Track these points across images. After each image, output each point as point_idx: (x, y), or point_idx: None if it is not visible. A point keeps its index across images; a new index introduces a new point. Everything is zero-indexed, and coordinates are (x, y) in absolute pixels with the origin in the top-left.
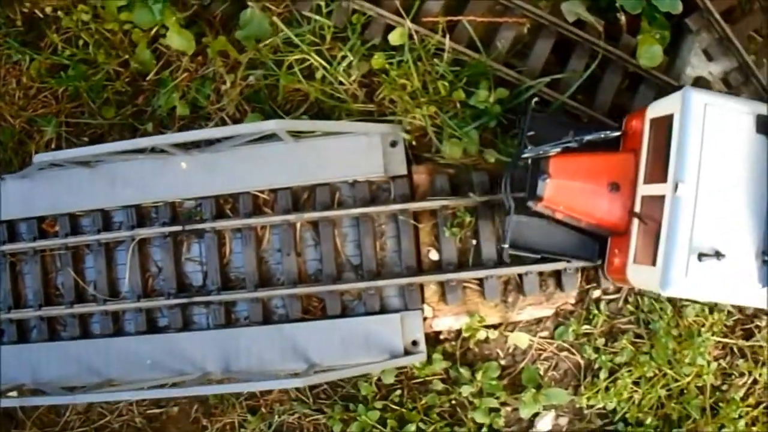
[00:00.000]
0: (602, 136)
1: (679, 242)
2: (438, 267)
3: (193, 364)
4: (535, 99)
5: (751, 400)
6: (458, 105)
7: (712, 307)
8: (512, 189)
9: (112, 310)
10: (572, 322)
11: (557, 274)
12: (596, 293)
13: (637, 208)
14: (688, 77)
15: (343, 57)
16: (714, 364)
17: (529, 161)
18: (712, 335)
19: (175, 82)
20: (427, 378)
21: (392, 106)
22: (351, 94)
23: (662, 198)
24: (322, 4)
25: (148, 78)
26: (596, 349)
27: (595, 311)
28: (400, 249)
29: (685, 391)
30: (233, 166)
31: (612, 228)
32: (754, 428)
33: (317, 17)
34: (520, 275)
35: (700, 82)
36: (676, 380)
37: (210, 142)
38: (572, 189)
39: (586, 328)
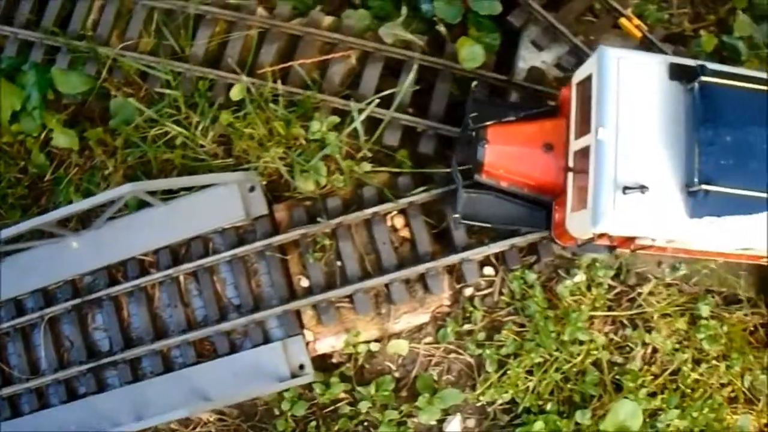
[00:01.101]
0: (538, 110)
1: (605, 180)
2: (309, 292)
3: (111, 421)
4: (475, 83)
5: (654, 368)
6: (304, 141)
7: (590, 284)
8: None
9: (36, 386)
10: (450, 323)
11: (423, 278)
12: (469, 291)
13: (571, 165)
14: (521, 70)
15: (198, 121)
16: (601, 339)
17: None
18: (595, 310)
19: (68, 177)
20: (334, 404)
21: (246, 155)
22: (212, 153)
23: (588, 149)
24: (170, 78)
25: (45, 179)
26: (479, 345)
27: (471, 308)
28: (273, 282)
29: (585, 372)
30: (116, 237)
31: (550, 188)
32: (663, 395)
33: (168, 91)
34: (386, 285)
35: (533, 72)
36: (569, 362)
37: (92, 219)
38: (510, 153)
39: (467, 326)
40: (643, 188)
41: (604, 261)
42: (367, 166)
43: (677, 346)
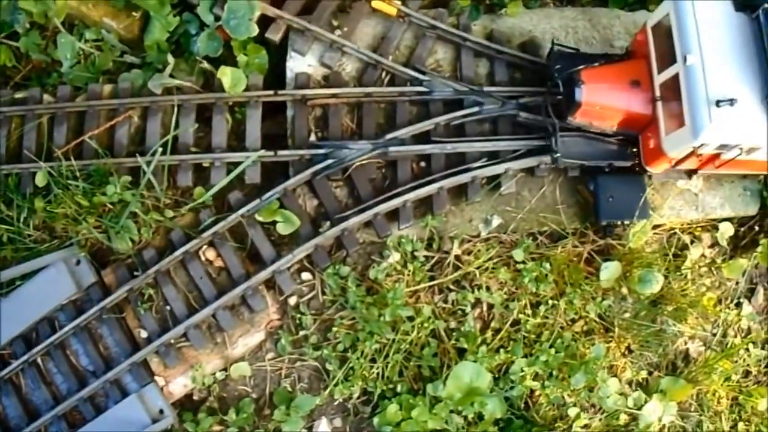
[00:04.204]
0: (618, 56)
1: (700, 97)
2: (149, 341)
3: None
4: (554, 42)
5: (495, 324)
6: (110, 206)
7: (406, 260)
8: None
9: None
10: (284, 334)
11: (245, 300)
12: (293, 300)
13: (658, 95)
14: (290, 79)
15: (18, 214)
16: (428, 310)
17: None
18: (418, 284)
19: None
20: None
21: (66, 233)
22: (39, 239)
23: (675, 77)
24: None
25: None
26: (317, 348)
27: (299, 315)
28: (117, 341)
29: (425, 346)
30: None
31: (639, 120)
32: (506, 351)
33: None
34: (213, 315)
35: (300, 78)
36: (406, 340)
37: None
38: (603, 90)
39: (302, 333)
40: (732, 101)
41: (411, 235)
42: (170, 213)
43: (508, 296)
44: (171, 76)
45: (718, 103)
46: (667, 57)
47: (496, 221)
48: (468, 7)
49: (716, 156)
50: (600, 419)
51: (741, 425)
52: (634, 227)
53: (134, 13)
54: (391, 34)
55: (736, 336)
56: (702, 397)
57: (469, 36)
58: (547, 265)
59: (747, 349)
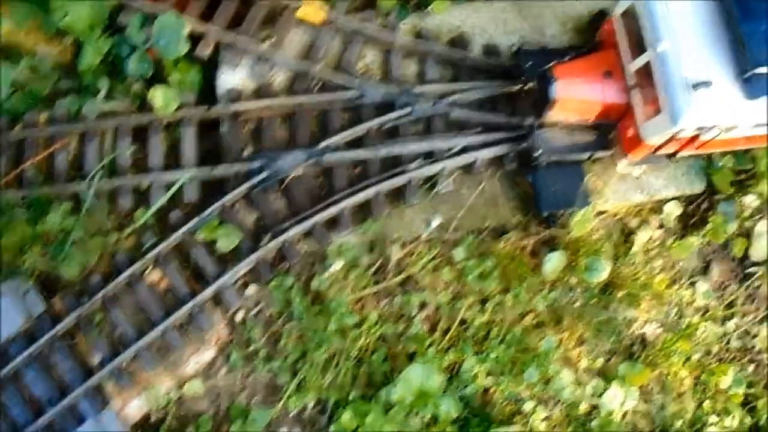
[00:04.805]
0: (586, 48)
1: (675, 83)
2: (102, 365)
3: None
4: (517, 41)
5: (443, 325)
6: (55, 234)
7: (348, 269)
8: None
9: None
10: (234, 349)
11: (191, 318)
12: (240, 314)
13: (631, 83)
14: (222, 96)
15: None
16: (374, 315)
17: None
18: (363, 290)
19: None
20: None
21: (15, 264)
22: None
23: (648, 64)
24: None
25: None
26: (267, 360)
27: (248, 329)
28: (70, 367)
29: (375, 351)
30: None
31: (616, 109)
32: (456, 350)
33: None
34: (162, 335)
35: (232, 92)
36: (355, 347)
37: None
38: (576, 84)
39: (252, 347)
40: (707, 83)
41: (352, 242)
42: (113, 236)
43: (454, 296)
44: (108, 98)
45: (695, 86)
46: (638, 45)
47: (437, 221)
48: (395, 7)
49: (695, 138)
50: (560, 410)
51: (707, 404)
52: (576, 216)
53: (66, 38)
54: (319, 41)
55: (693, 315)
56: (664, 380)
57: (397, 36)
58: (490, 262)
59: (705, 328)
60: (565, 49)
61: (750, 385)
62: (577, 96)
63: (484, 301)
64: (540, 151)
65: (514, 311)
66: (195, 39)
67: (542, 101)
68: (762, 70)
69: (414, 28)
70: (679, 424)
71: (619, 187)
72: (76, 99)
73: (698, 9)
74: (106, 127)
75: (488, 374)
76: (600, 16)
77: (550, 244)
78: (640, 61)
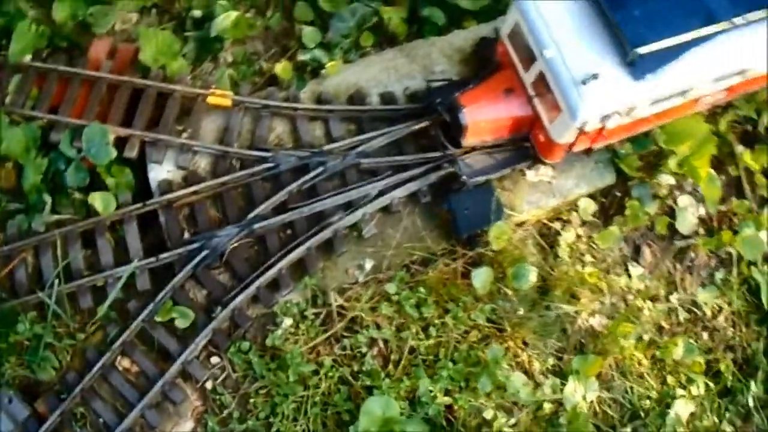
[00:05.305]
0: (486, 72)
1: (567, 82)
2: None
3: None
4: (428, 81)
5: (394, 356)
6: (28, 342)
7: (297, 322)
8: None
9: None
10: (210, 418)
11: (165, 395)
12: (210, 384)
13: (532, 93)
14: (155, 188)
15: None
16: (328, 360)
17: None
18: (315, 339)
19: None
20: None
21: None
22: None
23: (541, 73)
24: None
25: None
26: (242, 421)
27: (219, 396)
28: None
29: (337, 393)
30: None
31: (525, 121)
32: (409, 377)
33: None
34: (141, 417)
35: (163, 185)
36: (317, 392)
37: None
38: (483, 107)
39: (226, 412)
40: (595, 75)
41: (296, 298)
42: (81, 335)
43: (398, 328)
44: (54, 211)
45: (584, 82)
46: (528, 57)
47: (369, 264)
48: (293, 79)
49: (602, 128)
50: (526, 414)
51: (670, 379)
52: (492, 231)
53: (7, 164)
54: (231, 123)
55: (636, 299)
56: (622, 365)
57: (299, 105)
58: (423, 289)
59: (649, 308)
60: (469, 78)
61: (709, 351)
62: (485, 118)
63: (426, 328)
64: (464, 177)
65: (457, 330)
66: (122, 142)
67: (456, 130)
68: (641, 50)
69: (314, 94)
70: (648, 403)
71: (532, 197)
72: (24, 217)
73: (573, 11)
74: (56, 238)
75: (446, 393)
76: (482, 43)
77: (479, 263)
78: (533, 71)
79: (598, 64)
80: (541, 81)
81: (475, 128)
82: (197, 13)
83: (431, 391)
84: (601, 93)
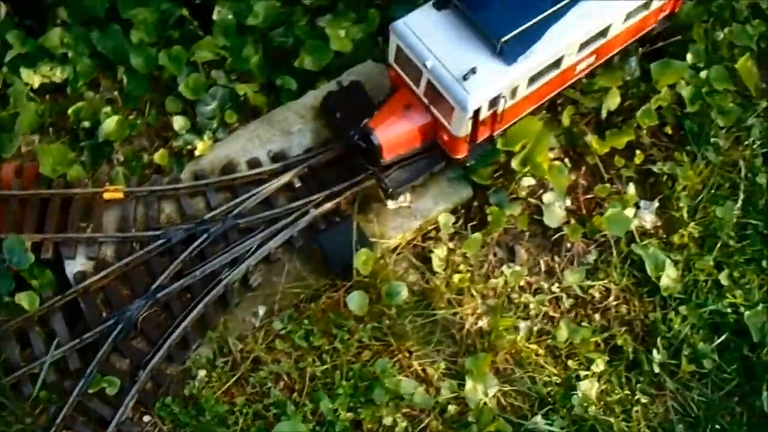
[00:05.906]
0: (385, 96)
1: (450, 83)
2: None
3: None
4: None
5: (298, 386)
6: None
7: (209, 372)
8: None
9: None
10: None
11: None
12: None
13: (426, 102)
14: (72, 280)
15: None
16: (241, 399)
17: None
18: (227, 383)
19: None
20: None
21: None
22: None
23: (428, 82)
24: None
25: None
26: None
27: None
28: None
29: (253, 427)
30: None
31: (429, 127)
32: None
33: None
34: None
35: (77, 276)
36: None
37: None
38: (390, 126)
39: None
40: (473, 70)
41: (203, 352)
42: (28, 419)
43: (296, 360)
44: None
45: (464, 77)
46: (415, 72)
47: (262, 310)
48: (172, 164)
49: (495, 113)
50: (433, 417)
51: (571, 362)
52: (358, 258)
53: None
54: (126, 212)
55: (519, 296)
56: (518, 358)
57: (180, 185)
58: (306, 322)
59: (533, 301)
60: (373, 106)
61: (604, 330)
62: (395, 134)
63: (320, 355)
64: (391, 189)
65: (348, 353)
66: (38, 246)
67: (373, 152)
68: (504, 38)
69: (192, 174)
70: (554, 389)
71: (396, 222)
72: None
73: (440, 22)
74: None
75: (350, 410)
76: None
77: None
78: (422, 83)
79: (474, 60)
80: (431, 89)
81: (389, 145)
82: (86, 123)
83: (336, 411)
84: (482, 82)
